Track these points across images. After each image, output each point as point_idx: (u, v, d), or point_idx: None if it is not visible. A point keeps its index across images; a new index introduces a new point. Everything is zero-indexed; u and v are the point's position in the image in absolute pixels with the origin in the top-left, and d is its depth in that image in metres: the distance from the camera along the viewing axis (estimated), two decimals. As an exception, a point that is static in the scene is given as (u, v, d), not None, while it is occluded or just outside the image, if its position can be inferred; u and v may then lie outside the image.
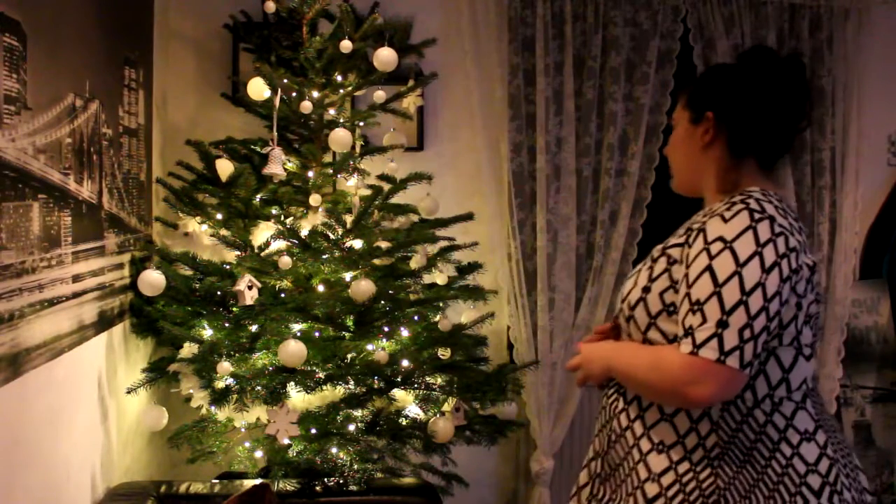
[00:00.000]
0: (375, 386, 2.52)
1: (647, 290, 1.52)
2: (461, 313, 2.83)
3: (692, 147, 1.58)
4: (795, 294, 1.41)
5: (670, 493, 1.43)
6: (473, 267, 2.88)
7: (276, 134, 2.56)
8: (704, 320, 1.36)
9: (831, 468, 1.41)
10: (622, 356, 1.55)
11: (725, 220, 1.42)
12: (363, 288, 2.40)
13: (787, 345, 1.43)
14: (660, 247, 1.56)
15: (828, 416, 1.52)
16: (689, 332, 1.37)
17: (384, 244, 2.58)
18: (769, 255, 1.37)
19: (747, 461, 1.42)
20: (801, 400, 1.45)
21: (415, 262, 2.65)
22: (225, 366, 2.37)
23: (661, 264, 1.51)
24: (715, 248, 1.39)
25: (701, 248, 1.41)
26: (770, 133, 1.53)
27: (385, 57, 2.60)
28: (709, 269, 1.38)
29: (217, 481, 2.52)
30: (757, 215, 1.40)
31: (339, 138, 2.58)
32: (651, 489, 1.45)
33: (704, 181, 1.58)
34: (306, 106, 2.61)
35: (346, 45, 2.58)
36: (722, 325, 1.35)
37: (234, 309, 2.46)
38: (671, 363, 1.38)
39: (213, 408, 2.51)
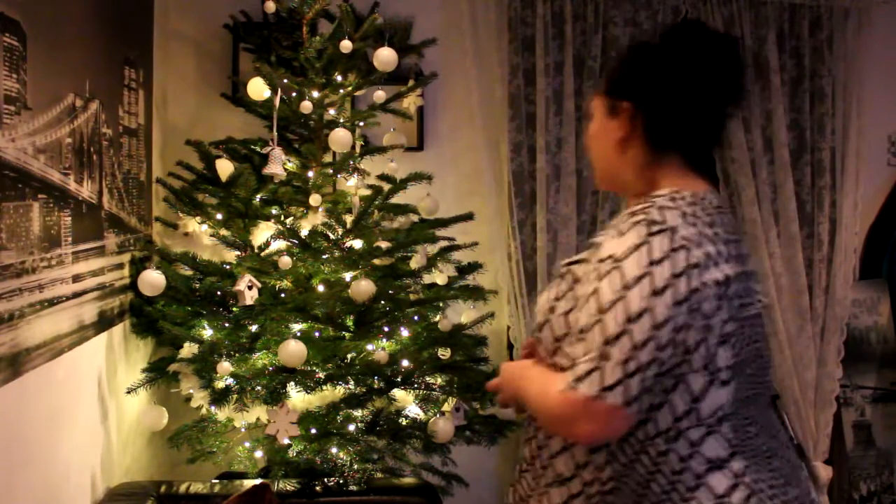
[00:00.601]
0: (375, 386, 2.52)
1: (552, 310, 1.35)
2: (461, 313, 2.83)
3: (608, 141, 1.39)
4: (701, 315, 1.20)
5: None
6: (473, 267, 2.88)
7: (276, 134, 2.56)
8: (587, 351, 1.20)
9: (749, 499, 1.24)
10: (525, 380, 1.38)
11: (621, 234, 1.25)
12: (363, 288, 2.40)
13: (698, 370, 1.22)
14: (566, 262, 1.40)
15: (764, 440, 1.33)
16: (572, 363, 1.22)
17: (384, 244, 2.58)
18: (661, 275, 1.18)
19: (644, 495, 1.26)
20: (716, 423, 1.25)
21: (415, 262, 2.65)
22: (225, 366, 2.37)
23: (566, 282, 1.34)
24: (604, 267, 1.23)
25: (592, 266, 1.26)
26: (694, 123, 1.34)
27: (385, 57, 2.60)
28: (595, 291, 1.22)
29: (217, 481, 2.52)
30: (655, 227, 1.22)
31: (339, 138, 2.58)
32: None
33: (623, 179, 1.41)
34: (306, 106, 2.61)
35: (346, 45, 2.58)
36: (604, 357, 1.18)
37: (234, 309, 2.46)
38: (552, 398, 1.23)
39: (213, 408, 2.51)
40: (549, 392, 1.24)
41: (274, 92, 2.58)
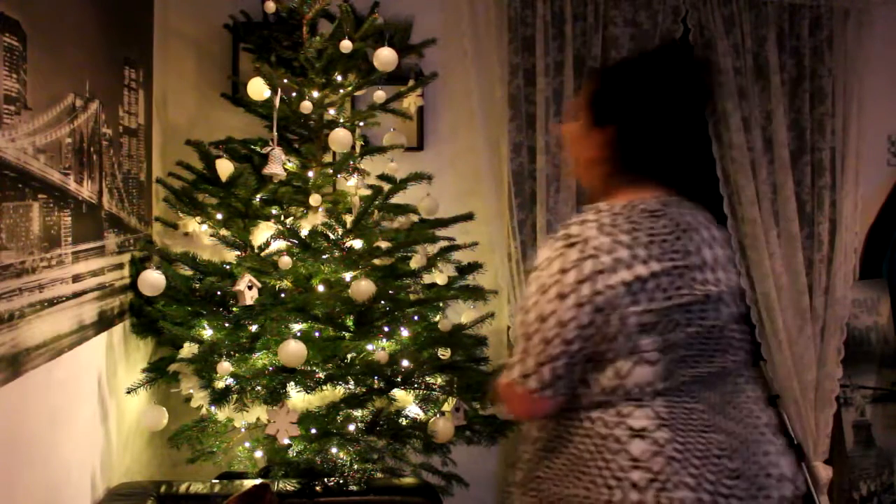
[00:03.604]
0: (375, 386, 2.52)
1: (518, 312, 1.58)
2: (461, 313, 2.83)
3: (585, 154, 1.59)
4: (615, 309, 1.42)
5: (527, 482, 1.57)
6: (473, 267, 2.88)
7: (276, 134, 2.56)
8: (519, 346, 1.50)
9: (666, 467, 1.40)
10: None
11: (550, 245, 1.49)
12: (363, 288, 2.40)
13: (624, 353, 1.44)
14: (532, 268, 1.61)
15: (709, 417, 1.48)
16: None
17: (384, 244, 2.58)
18: (568, 282, 1.43)
19: (573, 454, 1.48)
20: (649, 399, 1.45)
21: (415, 262, 2.65)
22: (225, 366, 2.37)
23: (528, 287, 1.56)
24: (533, 275, 1.49)
25: (535, 273, 1.51)
26: (664, 148, 1.53)
27: (385, 57, 2.60)
28: (526, 296, 1.51)
29: (217, 481, 2.52)
30: (570, 240, 1.45)
31: (339, 138, 2.58)
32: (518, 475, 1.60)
33: (590, 184, 1.62)
34: (306, 106, 2.61)
35: (346, 45, 2.58)
36: (524, 351, 1.48)
37: (234, 309, 2.46)
38: (499, 385, 1.54)
39: (213, 408, 2.51)
40: (499, 381, 1.54)
41: (274, 92, 2.58)
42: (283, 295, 2.55)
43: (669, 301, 1.46)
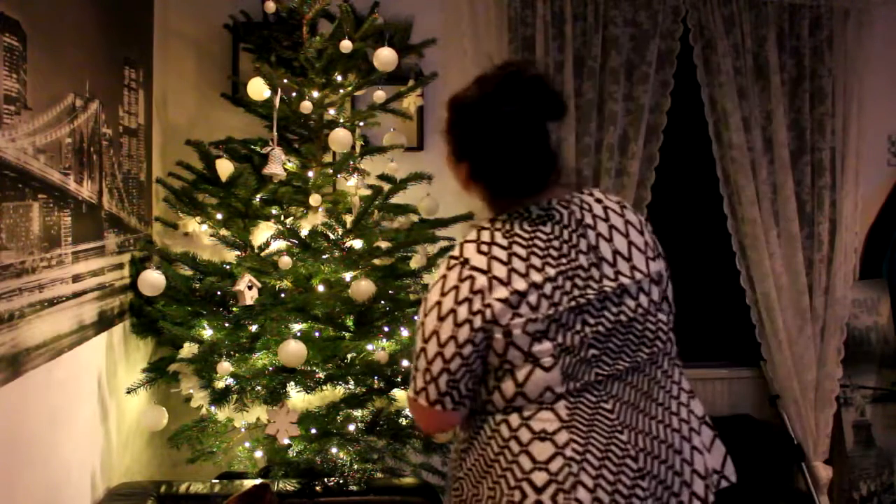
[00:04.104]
0: (375, 386, 2.52)
1: None
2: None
3: (459, 176, 1.62)
4: (497, 325, 1.46)
5: (452, 482, 1.65)
6: (473, 267, 2.87)
7: (276, 134, 2.56)
8: (413, 364, 1.56)
9: (563, 468, 1.44)
10: None
11: (440, 266, 1.57)
12: (363, 288, 2.40)
13: (520, 363, 1.48)
14: None
15: (619, 415, 1.51)
16: None
17: (384, 244, 2.58)
18: (447, 303, 1.49)
19: (482, 455, 1.54)
20: (552, 402, 1.48)
21: (415, 262, 2.65)
22: (225, 366, 2.37)
23: None
24: (424, 296, 1.56)
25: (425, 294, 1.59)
26: (512, 174, 1.55)
27: (385, 57, 2.60)
28: (419, 316, 1.56)
29: (217, 481, 2.52)
30: (452, 262, 1.51)
31: (339, 138, 2.58)
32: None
33: (482, 205, 1.65)
34: (306, 106, 2.61)
35: (346, 45, 2.58)
36: (416, 368, 1.54)
37: (234, 309, 2.46)
38: (407, 397, 1.61)
39: (213, 408, 2.51)
40: (407, 394, 1.61)
41: (274, 92, 2.58)
42: (283, 295, 2.55)
43: (557, 307, 1.48)
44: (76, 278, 2.08)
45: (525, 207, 1.55)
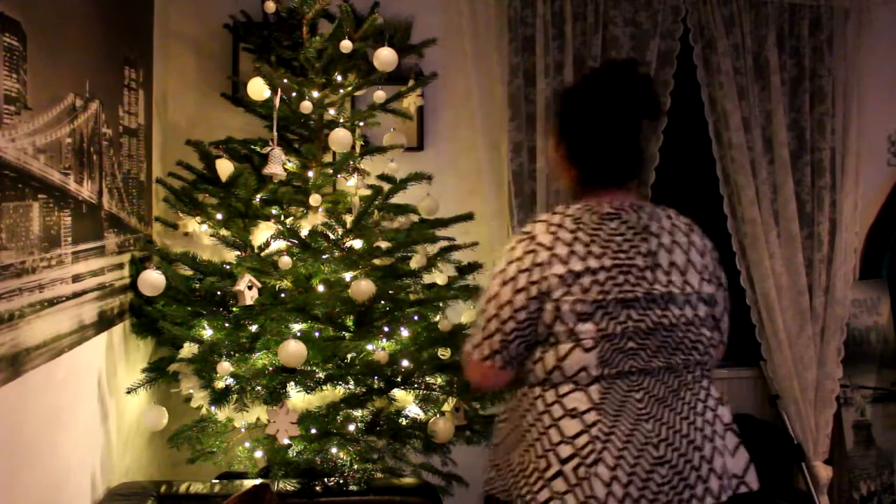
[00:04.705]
0: (375, 386, 2.52)
1: None
2: (461, 313, 2.83)
3: (557, 163, 1.81)
4: (550, 298, 1.61)
5: (494, 450, 1.81)
6: (473, 267, 2.87)
7: (276, 134, 2.56)
8: (475, 322, 1.74)
9: (588, 444, 1.56)
10: None
11: (512, 239, 1.73)
12: (363, 288, 2.40)
13: (564, 339, 1.62)
14: None
15: (646, 406, 1.62)
16: None
17: (384, 244, 2.58)
18: (511, 271, 1.66)
19: (521, 426, 1.68)
20: (586, 384, 1.60)
21: (415, 262, 2.65)
22: (225, 366, 2.37)
23: None
24: (495, 263, 1.73)
25: None
26: (607, 161, 1.72)
27: (385, 57, 2.60)
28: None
29: (217, 481, 2.52)
30: (522, 236, 1.69)
31: (339, 138, 2.58)
32: None
33: (566, 188, 1.82)
34: (306, 106, 2.61)
35: (346, 45, 2.58)
36: (476, 327, 1.72)
37: (234, 309, 2.46)
38: (463, 351, 1.76)
39: (213, 408, 2.51)
40: (464, 349, 1.76)
41: (274, 92, 2.58)
42: (283, 295, 2.55)
43: (606, 295, 1.61)
44: (76, 278, 2.08)
45: (599, 202, 1.70)
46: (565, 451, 1.58)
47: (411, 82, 2.89)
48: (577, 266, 1.62)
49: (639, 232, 1.68)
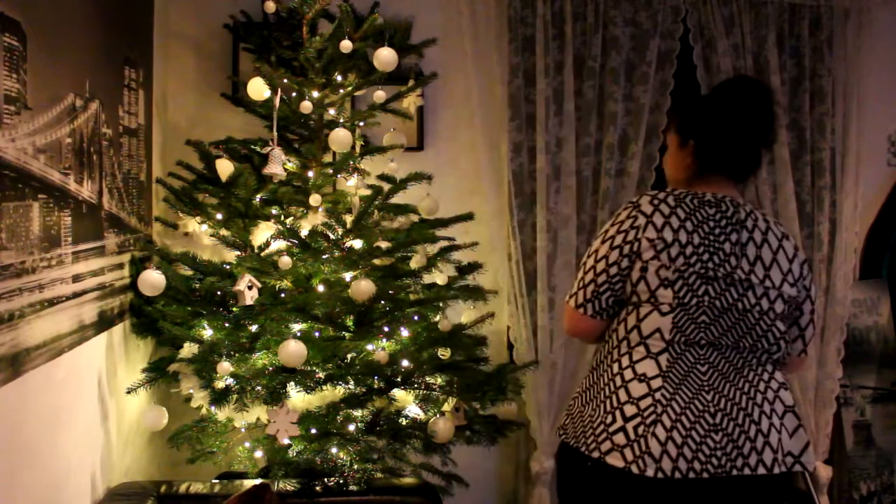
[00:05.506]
0: (375, 386, 2.52)
1: None
2: (461, 313, 2.83)
3: (679, 163, 1.98)
4: (640, 259, 1.81)
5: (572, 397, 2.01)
6: (473, 267, 2.88)
7: (276, 134, 2.56)
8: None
9: (650, 406, 1.74)
10: None
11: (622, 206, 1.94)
12: (363, 288, 2.40)
13: (645, 301, 1.82)
14: None
15: (710, 379, 1.79)
16: None
17: (384, 244, 2.58)
18: (611, 231, 1.87)
19: (598, 379, 1.87)
20: (658, 353, 1.79)
21: (415, 262, 2.65)
22: (225, 366, 2.37)
23: None
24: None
25: None
26: (732, 157, 1.90)
27: (385, 57, 2.60)
28: None
29: (217, 481, 2.52)
30: (629, 204, 1.88)
31: (339, 138, 2.58)
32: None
33: (679, 182, 2.00)
34: (306, 106, 2.61)
35: (346, 45, 2.58)
36: (575, 277, 1.95)
37: (234, 309, 2.46)
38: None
39: (213, 408, 2.51)
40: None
41: (274, 92, 2.58)
42: (283, 295, 2.55)
43: (690, 267, 1.78)
44: (76, 278, 2.08)
45: (705, 192, 1.87)
46: (630, 410, 1.76)
47: (411, 82, 2.89)
48: (668, 236, 1.80)
49: (733, 223, 1.83)
